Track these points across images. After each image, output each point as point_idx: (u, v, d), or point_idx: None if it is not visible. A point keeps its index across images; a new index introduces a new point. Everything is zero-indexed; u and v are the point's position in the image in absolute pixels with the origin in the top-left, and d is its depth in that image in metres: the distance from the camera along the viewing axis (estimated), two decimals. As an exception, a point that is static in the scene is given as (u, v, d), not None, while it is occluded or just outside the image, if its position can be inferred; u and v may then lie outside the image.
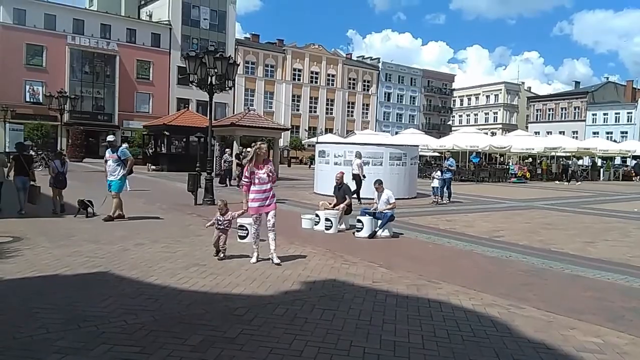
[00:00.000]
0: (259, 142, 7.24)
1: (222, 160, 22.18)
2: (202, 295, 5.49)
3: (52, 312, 4.69)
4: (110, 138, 11.28)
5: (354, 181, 14.99)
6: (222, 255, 7.23)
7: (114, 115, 48.46)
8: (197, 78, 13.94)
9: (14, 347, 3.88)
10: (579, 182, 32.65)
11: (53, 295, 5.23)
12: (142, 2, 58.68)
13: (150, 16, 55.71)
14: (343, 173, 11.59)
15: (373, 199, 10.58)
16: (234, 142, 24.90)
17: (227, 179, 21.45)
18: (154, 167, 30.79)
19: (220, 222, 7.34)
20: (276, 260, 7.01)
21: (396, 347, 4.19)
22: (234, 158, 21.48)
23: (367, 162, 16.57)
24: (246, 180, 7.04)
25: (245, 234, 8.54)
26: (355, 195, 15.08)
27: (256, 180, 6.97)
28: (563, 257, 8.33)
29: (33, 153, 13.90)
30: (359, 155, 15.77)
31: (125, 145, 10.87)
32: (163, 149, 32.58)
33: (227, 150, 23.36)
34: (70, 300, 5.08)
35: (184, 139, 31.59)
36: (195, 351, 3.95)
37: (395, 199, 10.45)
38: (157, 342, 4.07)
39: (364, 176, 15.16)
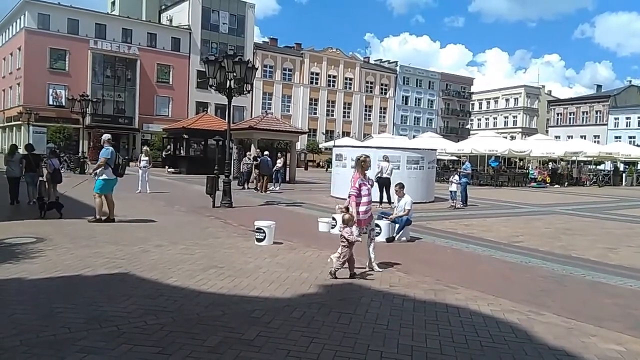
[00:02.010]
0: (363, 155, 7.29)
1: (242, 163, 22.36)
2: (221, 297, 5.55)
3: (74, 312, 4.78)
4: (104, 137, 11.11)
5: (381, 184, 15.06)
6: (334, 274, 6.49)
7: (135, 119, 49.15)
8: (216, 82, 14.09)
9: (38, 345, 3.97)
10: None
11: (75, 295, 5.33)
12: (163, 7, 59.50)
13: (171, 21, 56.44)
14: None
15: (393, 202, 10.55)
16: (252, 145, 25.06)
17: (246, 182, 21.61)
18: (171, 169, 31.15)
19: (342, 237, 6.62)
20: (377, 268, 7.00)
21: (413, 351, 4.18)
22: (252, 161, 21.62)
23: (382, 166, 16.54)
24: (355, 191, 6.88)
25: (262, 237, 8.59)
26: (385, 199, 15.14)
27: (365, 192, 6.94)
28: (584, 263, 8.20)
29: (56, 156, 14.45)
30: (387, 159, 15.75)
31: (107, 147, 10.60)
32: (182, 151, 32.96)
33: (248, 153, 23.53)
34: (92, 300, 5.17)
35: (203, 142, 31.92)
36: (214, 352, 3.99)
37: (413, 202, 10.40)
38: (176, 343, 4.13)
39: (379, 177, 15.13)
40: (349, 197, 6.90)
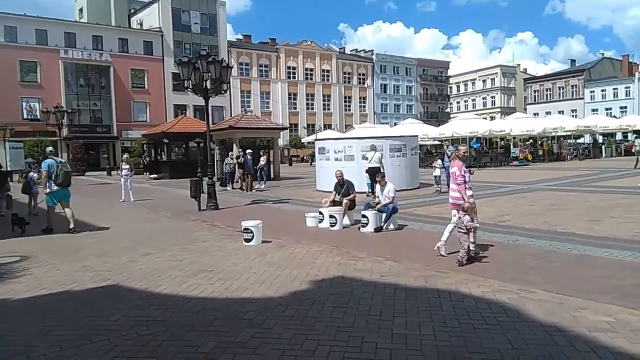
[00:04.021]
0: (460, 145, 7.85)
1: (224, 164, 22.21)
2: (212, 301, 5.51)
3: (64, 329, 4.71)
4: (47, 149, 11.42)
5: (372, 174, 14.96)
6: (462, 261, 6.64)
7: (112, 127, 48.49)
8: (192, 83, 13.95)
9: (28, 367, 3.90)
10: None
11: (64, 312, 5.25)
12: (132, 11, 58.65)
13: (141, 24, 55.69)
14: (342, 171, 11.51)
15: (374, 192, 10.57)
16: (234, 144, 24.90)
17: (230, 182, 21.47)
18: (152, 176, 30.76)
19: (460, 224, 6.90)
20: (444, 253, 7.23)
21: (408, 340, 4.20)
22: (235, 160, 21.49)
23: (367, 156, 16.54)
24: (462, 179, 7.28)
25: (250, 237, 8.55)
26: (370, 190, 15.09)
27: (468, 178, 7.37)
28: (570, 237, 8.31)
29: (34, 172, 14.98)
30: (374, 148, 15.66)
31: (45, 160, 10.84)
32: (163, 156, 32.63)
33: (230, 153, 23.37)
34: (81, 315, 5.10)
35: (184, 145, 31.64)
36: (208, 357, 3.97)
37: (398, 190, 10.43)
38: (170, 352, 4.09)
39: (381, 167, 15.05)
40: (459, 185, 7.28)
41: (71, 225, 10.55)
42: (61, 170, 10.51)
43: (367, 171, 14.98)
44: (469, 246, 6.73)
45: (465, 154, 7.78)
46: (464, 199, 7.10)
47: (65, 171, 10.59)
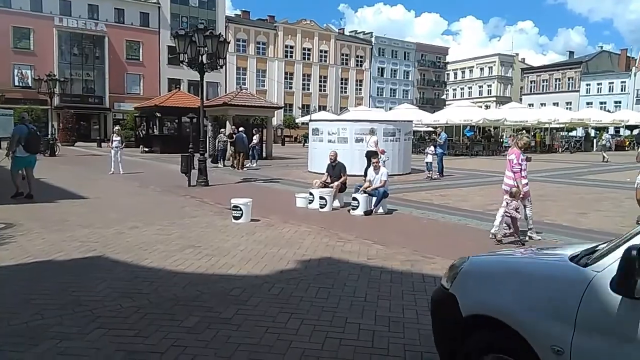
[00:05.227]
0: (524, 135, 8.21)
1: (217, 141, 22.06)
2: (198, 276, 5.51)
3: (47, 298, 4.69)
4: (22, 115, 11.78)
5: (369, 157, 14.93)
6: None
7: (105, 98, 47.85)
8: (188, 57, 13.75)
9: (10, 334, 3.88)
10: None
11: (47, 281, 5.22)
12: (129, -19, 57.39)
13: (138, -5, 54.55)
14: (336, 152, 11.51)
15: (366, 175, 10.57)
16: (227, 122, 24.72)
17: (221, 159, 21.36)
18: (146, 149, 30.58)
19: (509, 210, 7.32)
20: (536, 237, 7.53)
21: (391, 322, 4.23)
22: (226, 138, 21.35)
23: (361, 138, 16.49)
24: (519, 167, 7.48)
25: (239, 215, 8.54)
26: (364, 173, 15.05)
27: (524, 166, 7.54)
28: (556, 228, 8.39)
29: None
30: (373, 132, 15.60)
31: (20, 125, 11.10)
32: (155, 130, 32.35)
33: (222, 130, 23.21)
34: (65, 285, 5.08)
35: (176, 120, 31.36)
36: (192, 332, 3.97)
37: (390, 175, 10.44)
38: (153, 325, 4.09)
39: (383, 152, 15.02)
40: (514, 173, 7.48)
41: (29, 191, 10.75)
42: (31, 137, 10.73)
43: (365, 155, 14.98)
44: (510, 227, 7.30)
45: (526, 144, 8.01)
46: (517, 187, 7.35)
47: (34, 139, 10.86)
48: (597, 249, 2.41)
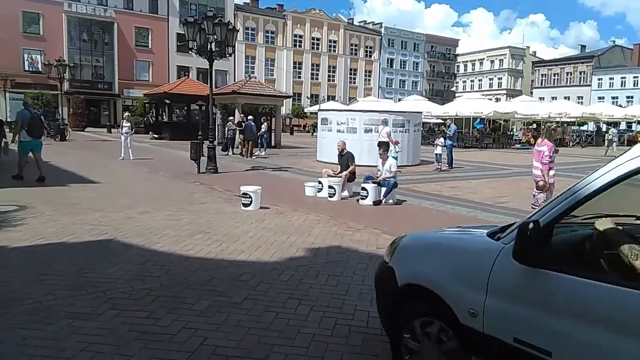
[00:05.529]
0: (554, 124, 8.07)
1: (226, 129, 22.07)
2: (208, 261, 5.54)
3: (59, 279, 4.74)
4: (26, 100, 12.06)
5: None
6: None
7: (114, 84, 47.95)
8: (197, 45, 13.73)
9: (23, 313, 3.93)
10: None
11: (60, 262, 5.28)
12: (139, -33, 57.18)
13: (148, -19, 54.40)
14: (344, 142, 11.48)
15: (377, 165, 10.55)
16: (236, 110, 24.71)
17: (230, 147, 21.40)
18: (155, 135, 30.69)
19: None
20: None
21: (400, 310, 4.23)
22: (235, 126, 21.36)
23: (370, 129, 16.46)
24: (548, 159, 7.64)
25: (249, 202, 8.56)
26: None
27: (553, 158, 7.68)
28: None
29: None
30: (385, 123, 15.52)
31: (24, 109, 11.30)
32: (164, 117, 32.40)
33: (230, 118, 23.22)
34: (77, 267, 5.13)
35: (185, 108, 31.35)
36: (202, 315, 4.01)
37: (399, 166, 10.41)
38: (165, 308, 4.13)
39: (397, 142, 14.97)
40: (543, 165, 7.61)
41: (40, 174, 10.95)
42: (33, 122, 10.92)
43: (377, 145, 14.96)
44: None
45: (559, 136, 8.26)
46: (543, 178, 7.38)
47: (36, 123, 11.05)
48: (513, 225, 2.64)
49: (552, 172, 7.71)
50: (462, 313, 2.59)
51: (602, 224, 2.54)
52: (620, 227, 2.56)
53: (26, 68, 43.89)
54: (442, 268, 2.80)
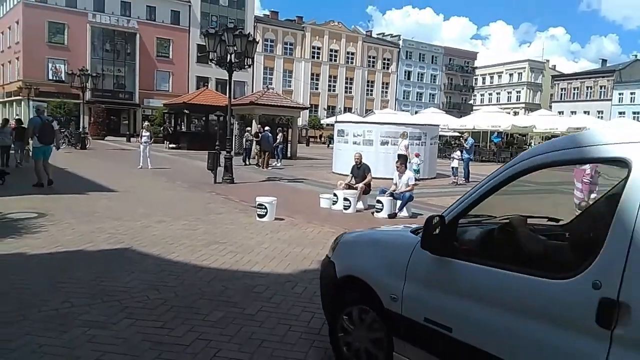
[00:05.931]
0: None
1: (244, 139, 22.24)
2: (223, 272, 5.56)
3: (76, 287, 4.80)
4: (39, 107, 12.73)
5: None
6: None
7: (135, 94, 48.75)
8: (217, 56, 13.90)
9: (40, 320, 3.99)
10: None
11: (77, 270, 5.34)
12: (161, -21, 58.33)
13: (169, -7, 55.42)
14: (361, 154, 11.48)
15: (392, 178, 10.51)
16: (253, 120, 24.91)
17: (247, 158, 21.55)
18: (172, 145, 31.03)
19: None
20: None
21: (415, 327, 4.19)
22: (253, 137, 21.52)
23: (386, 141, 16.43)
24: (589, 179, 7.41)
25: (264, 213, 8.59)
26: None
27: (595, 180, 7.39)
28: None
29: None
30: (405, 136, 15.53)
31: (35, 117, 11.73)
32: (183, 127, 32.81)
33: (248, 128, 23.40)
34: (94, 275, 5.19)
35: (204, 118, 31.72)
36: (215, 327, 4.01)
37: (415, 179, 10.36)
38: (179, 318, 4.15)
39: (417, 155, 14.97)
40: (583, 184, 7.45)
41: (48, 177, 11.31)
42: (44, 129, 11.26)
43: (398, 157, 15.05)
44: None
45: None
46: (585, 199, 7.07)
47: (47, 130, 11.35)
48: None
49: (593, 195, 7.03)
50: (386, 299, 2.96)
51: (513, 218, 3.05)
52: (525, 219, 3.10)
53: (50, 77, 44.87)
54: (372, 261, 3.19)
